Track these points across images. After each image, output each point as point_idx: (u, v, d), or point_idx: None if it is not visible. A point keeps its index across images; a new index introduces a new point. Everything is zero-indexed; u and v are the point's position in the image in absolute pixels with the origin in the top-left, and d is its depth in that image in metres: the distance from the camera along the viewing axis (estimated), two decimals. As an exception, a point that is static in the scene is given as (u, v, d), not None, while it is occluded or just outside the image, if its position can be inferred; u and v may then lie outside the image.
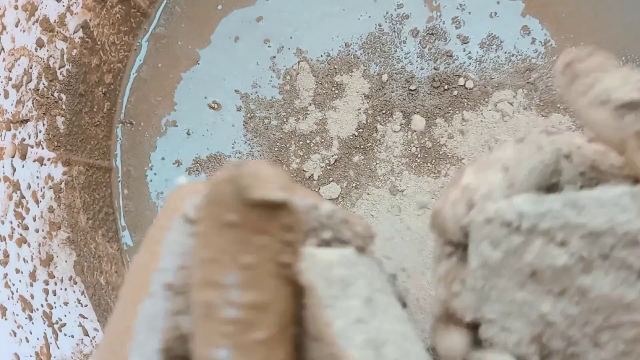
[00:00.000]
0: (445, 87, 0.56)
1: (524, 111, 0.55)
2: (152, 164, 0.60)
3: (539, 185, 0.23)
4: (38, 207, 0.51)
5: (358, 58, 0.58)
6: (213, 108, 0.60)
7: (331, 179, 0.57)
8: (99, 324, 0.55)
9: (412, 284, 0.54)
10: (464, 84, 0.56)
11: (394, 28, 0.58)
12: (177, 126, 0.60)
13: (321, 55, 0.58)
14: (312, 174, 0.57)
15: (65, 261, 0.53)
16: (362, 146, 0.57)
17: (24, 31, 0.47)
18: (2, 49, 0.45)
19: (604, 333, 0.19)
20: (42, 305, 0.49)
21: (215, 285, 0.15)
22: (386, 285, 0.19)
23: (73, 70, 0.54)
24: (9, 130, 0.47)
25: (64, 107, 0.54)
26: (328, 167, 0.57)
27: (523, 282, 0.20)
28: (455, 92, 0.56)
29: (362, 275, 0.18)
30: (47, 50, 0.50)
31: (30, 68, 0.49)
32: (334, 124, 0.58)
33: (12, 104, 0.47)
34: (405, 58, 0.57)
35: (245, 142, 0.59)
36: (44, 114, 0.51)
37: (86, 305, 0.54)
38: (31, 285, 0.48)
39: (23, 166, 0.49)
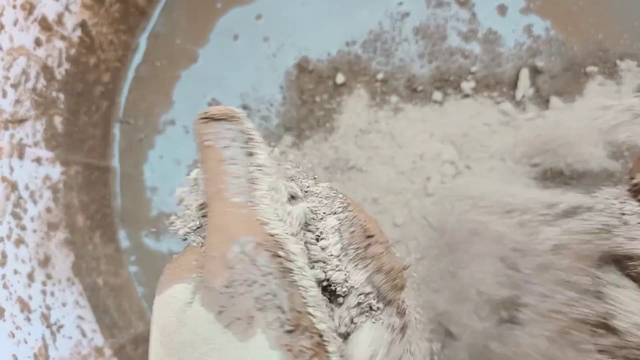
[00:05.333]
0: (447, 86, 0.56)
1: (526, 110, 0.55)
2: (150, 162, 0.60)
3: None
4: (36, 207, 0.50)
5: (359, 57, 0.58)
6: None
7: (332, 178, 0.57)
8: (97, 326, 0.54)
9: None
10: (466, 83, 0.56)
11: (395, 26, 0.57)
12: (175, 125, 0.60)
13: (321, 54, 0.58)
14: (314, 174, 0.57)
15: (63, 262, 0.53)
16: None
17: (22, 30, 0.47)
18: (0, 48, 0.45)
19: None
20: (40, 307, 0.48)
21: None
22: None
23: (71, 70, 0.54)
24: (7, 130, 0.47)
25: (62, 106, 0.53)
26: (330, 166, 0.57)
27: None
28: (457, 91, 0.56)
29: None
30: (46, 50, 0.50)
31: (29, 67, 0.48)
32: (334, 123, 0.57)
33: (10, 104, 0.47)
34: (407, 57, 0.57)
35: (245, 141, 0.59)
36: (42, 113, 0.51)
37: (84, 307, 0.54)
38: (29, 286, 0.48)
39: (21, 166, 0.49)
